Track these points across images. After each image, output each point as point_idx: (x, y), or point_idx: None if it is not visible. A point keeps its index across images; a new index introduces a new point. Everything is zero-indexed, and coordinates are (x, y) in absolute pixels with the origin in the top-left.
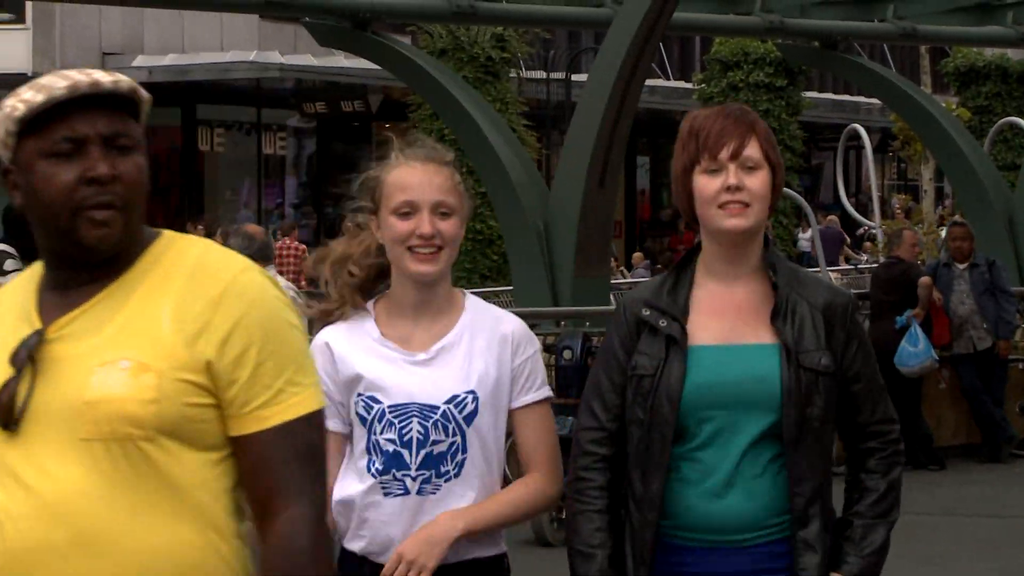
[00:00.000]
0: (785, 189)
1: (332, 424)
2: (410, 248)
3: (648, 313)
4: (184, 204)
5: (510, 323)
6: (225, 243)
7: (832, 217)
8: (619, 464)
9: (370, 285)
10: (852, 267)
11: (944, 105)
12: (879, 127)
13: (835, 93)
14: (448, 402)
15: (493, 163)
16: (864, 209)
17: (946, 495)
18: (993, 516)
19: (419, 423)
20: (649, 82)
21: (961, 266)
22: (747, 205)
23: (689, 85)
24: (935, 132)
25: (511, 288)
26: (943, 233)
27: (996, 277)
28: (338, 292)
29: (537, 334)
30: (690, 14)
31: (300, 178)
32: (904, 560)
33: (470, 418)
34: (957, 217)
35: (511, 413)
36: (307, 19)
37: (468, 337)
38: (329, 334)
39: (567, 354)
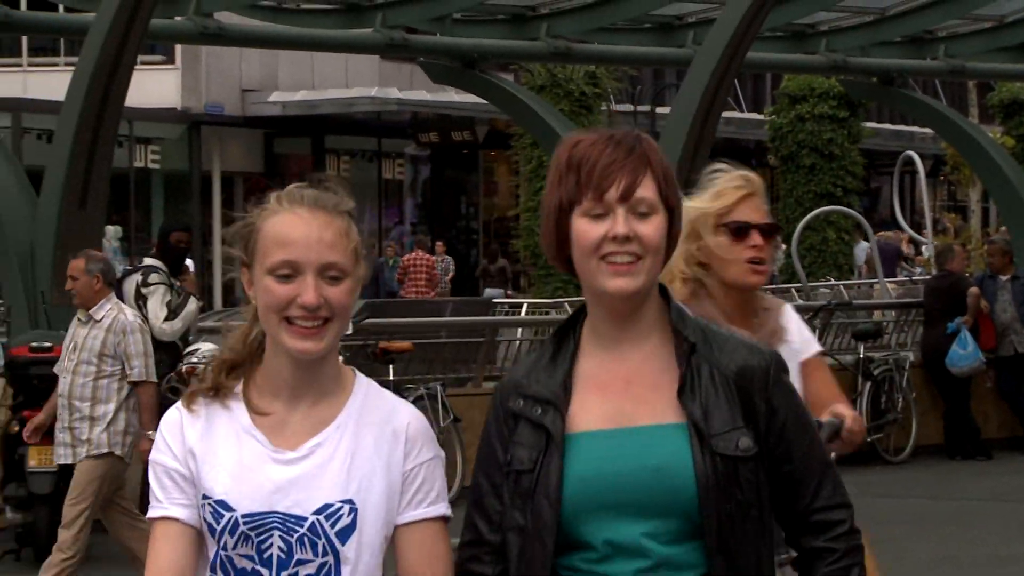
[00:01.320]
0: (847, 209)
1: (183, 513)
2: (288, 319)
3: (521, 404)
4: None
5: (406, 416)
6: (87, 267)
7: (891, 233)
8: None
9: (243, 362)
10: (907, 278)
11: (990, 134)
12: (931, 154)
13: (892, 123)
14: (318, 513)
15: None
16: (918, 227)
17: (992, 483)
18: None
19: (281, 538)
20: (725, 114)
21: (1003, 278)
22: (637, 258)
23: (761, 116)
24: (982, 158)
25: None
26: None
27: None
28: (208, 370)
29: None
30: (762, 54)
31: (416, 200)
32: (954, 541)
33: (345, 534)
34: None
35: (395, 530)
36: (422, 59)
37: (353, 430)
38: (187, 409)
39: None
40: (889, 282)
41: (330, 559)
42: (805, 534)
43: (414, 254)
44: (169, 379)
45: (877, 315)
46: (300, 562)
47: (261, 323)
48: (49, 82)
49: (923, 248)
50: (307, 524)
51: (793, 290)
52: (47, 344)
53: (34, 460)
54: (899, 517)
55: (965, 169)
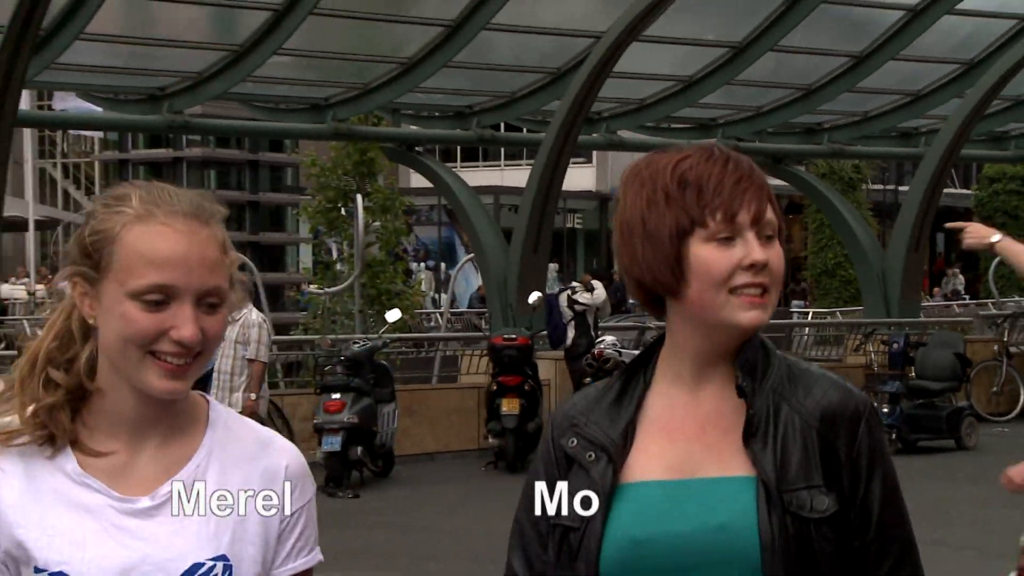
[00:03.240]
0: None
1: None
2: (155, 353)
3: (574, 444)
4: None
5: (283, 452)
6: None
7: None
8: None
9: (79, 394)
10: None
11: None
12: None
13: None
14: None
15: (851, 237)
16: None
17: None
18: None
19: None
20: (945, 190)
21: None
22: (765, 290)
23: (969, 191)
24: None
25: (862, 308)
26: None
27: None
28: (27, 412)
29: (877, 333)
30: (970, 151)
31: None
32: None
33: None
34: None
35: None
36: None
37: (217, 469)
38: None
39: (895, 345)
40: None
41: None
42: None
43: None
44: (586, 358)
45: None
46: None
47: (108, 353)
48: (516, 175)
49: None
50: None
51: (989, 303)
52: (513, 336)
53: (505, 407)
54: None
55: None
